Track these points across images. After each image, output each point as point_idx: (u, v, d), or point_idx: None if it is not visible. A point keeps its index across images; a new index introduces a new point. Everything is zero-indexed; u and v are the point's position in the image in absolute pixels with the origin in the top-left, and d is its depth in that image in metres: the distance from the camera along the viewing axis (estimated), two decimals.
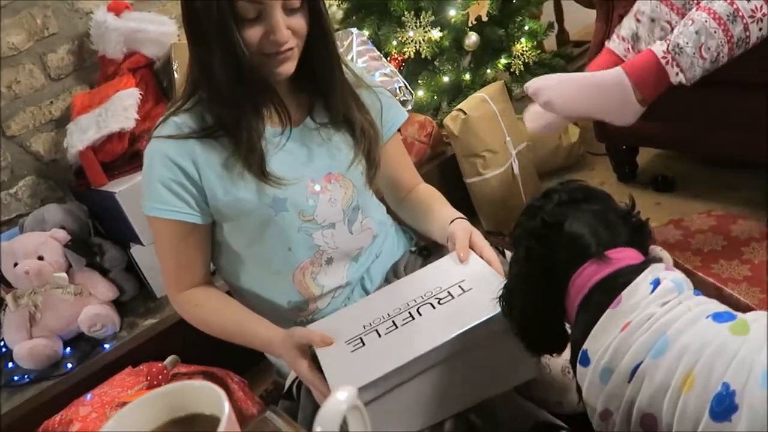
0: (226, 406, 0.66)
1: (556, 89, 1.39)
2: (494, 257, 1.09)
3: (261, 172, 1.07)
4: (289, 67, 1.05)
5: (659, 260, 0.82)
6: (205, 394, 0.71)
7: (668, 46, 1.33)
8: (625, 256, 0.81)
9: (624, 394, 0.73)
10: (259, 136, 1.07)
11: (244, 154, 1.06)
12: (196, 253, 1.14)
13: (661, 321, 0.73)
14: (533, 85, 1.40)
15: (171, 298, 1.18)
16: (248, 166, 1.06)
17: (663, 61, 1.34)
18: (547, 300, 0.84)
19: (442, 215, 1.21)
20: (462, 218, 1.19)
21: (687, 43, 1.31)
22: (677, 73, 1.34)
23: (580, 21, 3.01)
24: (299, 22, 1.03)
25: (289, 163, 1.11)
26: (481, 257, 1.09)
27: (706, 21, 1.30)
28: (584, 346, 0.77)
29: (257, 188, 1.08)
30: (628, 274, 0.79)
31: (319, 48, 1.08)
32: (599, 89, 1.39)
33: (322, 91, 1.13)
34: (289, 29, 1.01)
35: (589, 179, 2.25)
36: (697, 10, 1.33)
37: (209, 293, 1.16)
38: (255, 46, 1.01)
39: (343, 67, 1.14)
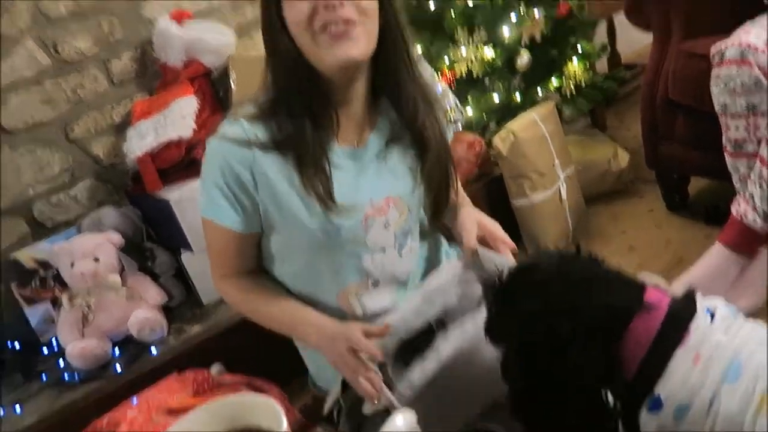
0: (285, 423, 0.68)
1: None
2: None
3: (326, 197, 1.05)
4: (350, 48, 0.99)
5: (693, 289, 0.83)
6: (266, 409, 0.73)
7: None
8: (656, 296, 0.81)
9: (703, 425, 0.73)
10: (323, 153, 1.05)
11: (307, 173, 1.04)
12: (244, 257, 1.15)
13: (731, 347, 0.73)
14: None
15: (214, 281, 1.19)
16: (311, 187, 1.04)
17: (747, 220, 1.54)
18: (585, 376, 0.80)
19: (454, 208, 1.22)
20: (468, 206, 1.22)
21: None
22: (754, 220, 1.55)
23: (633, 43, 2.98)
24: (368, 2, 1.00)
25: (349, 185, 1.09)
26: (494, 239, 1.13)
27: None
28: (655, 392, 0.77)
29: (313, 209, 1.06)
30: (683, 311, 0.79)
31: (388, 41, 1.05)
32: (719, 273, 1.59)
33: (392, 96, 1.10)
34: (353, 4, 0.98)
35: (638, 207, 2.22)
36: None
37: (259, 278, 1.17)
38: (305, 21, 0.98)
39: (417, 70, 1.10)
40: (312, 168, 1.04)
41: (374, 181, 1.12)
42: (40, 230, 1.91)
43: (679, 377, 0.74)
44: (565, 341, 0.78)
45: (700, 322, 0.77)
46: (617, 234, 2.12)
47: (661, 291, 0.83)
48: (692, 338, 0.75)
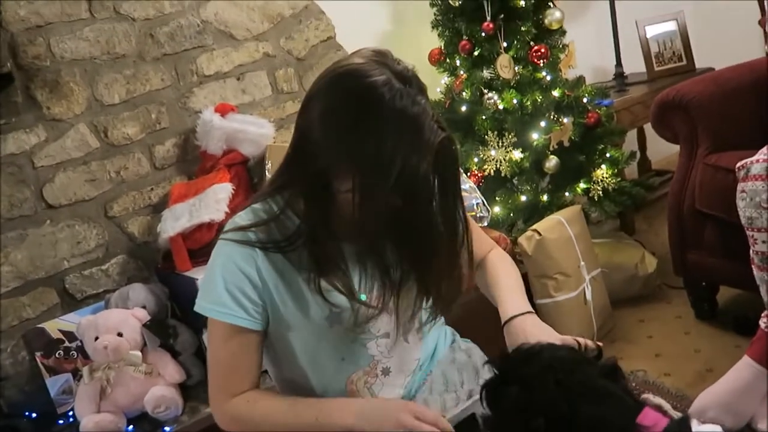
0: None
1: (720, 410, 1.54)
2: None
3: (348, 291, 1.04)
4: None
5: (687, 414, 0.81)
6: None
7: None
8: (653, 418, 0.79)
9: None
10: (338, 251, 1.06)
11: (320, 269, 1.04)
12: (249, 358, 1.10)
13: None
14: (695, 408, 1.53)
15: (217, 406, 1.12)
16: (325, 279, 1.04)
17: None
18: None
19: (503, 303, 1.16)
20: (518, 315, 1.12)
21: None
22: None
23: (664, 150, 3.03)
24: None
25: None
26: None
27: None
28: None
29: (316, 301, 1.06)
30: None
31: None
32: (748, 389, 1.55)
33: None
34: None
35: (665, 313, 2.19)
36: None
37: (263, 392, 1.12)
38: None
39: None
40: (326, 263, 1.04)
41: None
42: (70, 302, 1.96)
43: None
44: None
45: None
46: (643, 339, 2.08)
47: (659, 414, 0.81)
48: None
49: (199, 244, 1.90)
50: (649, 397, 0.86)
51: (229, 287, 1.06)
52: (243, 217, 1.10)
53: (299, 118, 1.05)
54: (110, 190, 2.03)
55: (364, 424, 1.01)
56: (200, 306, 1.11)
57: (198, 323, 1.87)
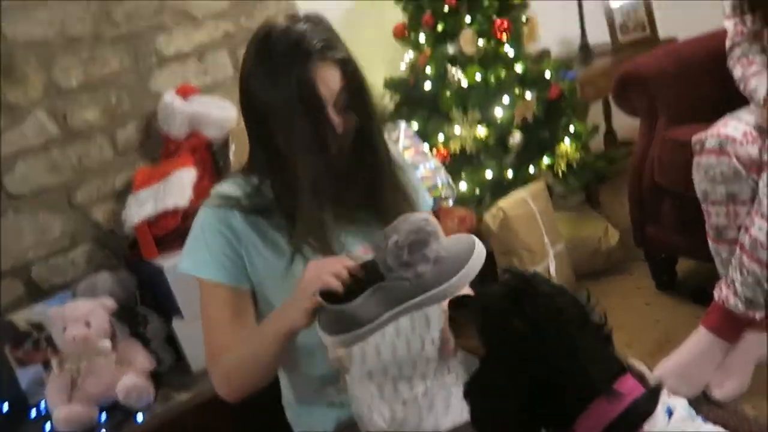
0: None
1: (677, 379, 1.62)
2: None
3: (323, 247, 1.09)
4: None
5: (660, 386, 0.83)
6: None
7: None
8: (630, 386, 0.80)
9: None
10: (318, 216, 1.11)
11: (300, 230, 1.09)
12: (238, 314, 1.13)
13: None
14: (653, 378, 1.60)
15: (211, 368, 1.15)
16: (301, 237, 1.09)
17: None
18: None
19: None
20: None
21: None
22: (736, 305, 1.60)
23: (630, 122, 3.06)
24: (348, 118, 1.09)
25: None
26: None
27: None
28: None
29: (296, 259, 1.10)
30: (642, 407, 0.80)
31: (368, 146, 1.13)
32: (703, 358, 1.64)
33: (370, 193, 1.15)
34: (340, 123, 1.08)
35: (627, 284, 2.25)
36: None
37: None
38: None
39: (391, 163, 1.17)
40: (307, 226, 1.10)
41: (349, 237, 1.16)
42: (36, 292, 1.95)
43: None
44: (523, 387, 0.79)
45: (656, 421, 0.78)
46: (606, 311, 2.14)
47: (637, 382, 0.83)
48: None
49: (165, 230, 1.90)
50: (634, 363, 0.86)
51: (210, 247, 1.11)
52: (224, 186, 1.16)
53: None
54: (73, 178, 2.01)
55: (295, 300, 1.01)
56: (185, 266, 1.15)
57: (167, 310, 1.88)
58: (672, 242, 2.04)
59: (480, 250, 0.98)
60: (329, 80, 1.07)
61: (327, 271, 0.97)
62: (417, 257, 0.93)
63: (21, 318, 1.82)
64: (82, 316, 1.72)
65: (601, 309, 0.88)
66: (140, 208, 1.91)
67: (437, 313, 1.12)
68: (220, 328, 1.13)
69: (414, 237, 0.93)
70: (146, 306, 1.91)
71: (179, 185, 1.91)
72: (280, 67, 1.05)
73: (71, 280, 1.98)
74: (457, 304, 0.94)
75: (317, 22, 1.10)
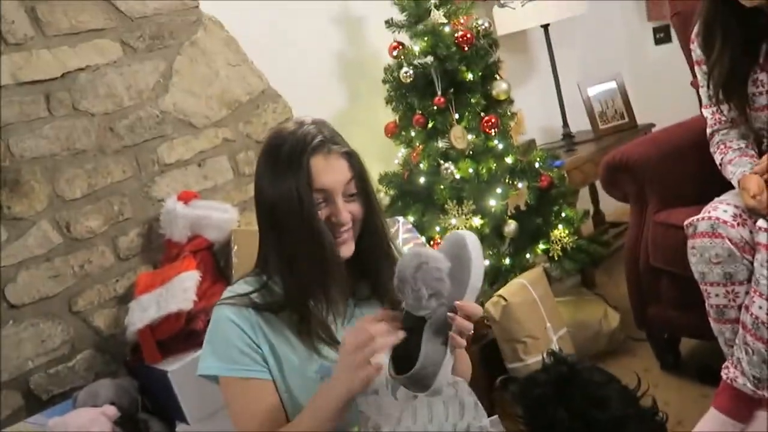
0: None
1: None
2: None
3: (330, 339, 1.16)
4: (349, 248, 1.18)
5: None
6: None
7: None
8: None
9: None
10: (325, 313, 1.18)
11: (308, 328, 1.15)
12: (269, 404, 1.16)
13: None
14: None
15: None
16: (315, 338, 1.15)
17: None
18: None
19: None
20: None
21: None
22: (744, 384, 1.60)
23: (616, 203, 3.15)
24: (356, 206, 1.17)
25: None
26: None
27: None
28: None
29: (308, 355, 1.16)
30: None
31: (372, 231, 1.20)
32: None
33: (371, 272, 1.22)
34: (348, 212, 1.15)
35: (632, 366, 2.23)
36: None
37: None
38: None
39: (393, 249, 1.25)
40: (316, 323, 1.17)
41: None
42: (35, 403, 1.91)
43: None
44: None
45: None
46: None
47: None
48: None
49: (168, 334, 1.89)
50: None
51: (233, 344, 1.15)
52: (235, 287, 1.22)
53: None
54: (74, 285, 2.02)
55: (344, 380, 1.05)
56: (209, 367, 1.16)
57: (170, 416, 1.84)
58: (674, 322, 2.06)
59: (472, 240, 1.10)
60: (338, 170, 1.14)
61: (375, 332, 1.01)
62: (434, 284, 1.00)
63: (20, 430, 1.78)
64: (84, 426, 1.69)
65: (652, 395, 0.88)
66: (143, 313, 1.90)
67: (471, 402, 1.15)
68: (251, 420, 1.14)
69: (420, 272, 1.00)
70: (147, 412, 1.88)
71: (182, 289, 1.92)
72: (288, 161, 1.13)
73: (71, 389, 1.94)
74: (503, 386, 0.96)
75: (322, 123, 1.20)
